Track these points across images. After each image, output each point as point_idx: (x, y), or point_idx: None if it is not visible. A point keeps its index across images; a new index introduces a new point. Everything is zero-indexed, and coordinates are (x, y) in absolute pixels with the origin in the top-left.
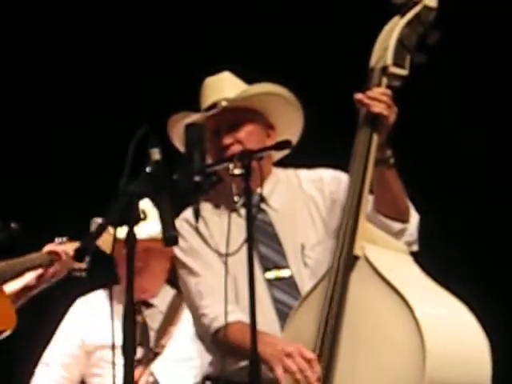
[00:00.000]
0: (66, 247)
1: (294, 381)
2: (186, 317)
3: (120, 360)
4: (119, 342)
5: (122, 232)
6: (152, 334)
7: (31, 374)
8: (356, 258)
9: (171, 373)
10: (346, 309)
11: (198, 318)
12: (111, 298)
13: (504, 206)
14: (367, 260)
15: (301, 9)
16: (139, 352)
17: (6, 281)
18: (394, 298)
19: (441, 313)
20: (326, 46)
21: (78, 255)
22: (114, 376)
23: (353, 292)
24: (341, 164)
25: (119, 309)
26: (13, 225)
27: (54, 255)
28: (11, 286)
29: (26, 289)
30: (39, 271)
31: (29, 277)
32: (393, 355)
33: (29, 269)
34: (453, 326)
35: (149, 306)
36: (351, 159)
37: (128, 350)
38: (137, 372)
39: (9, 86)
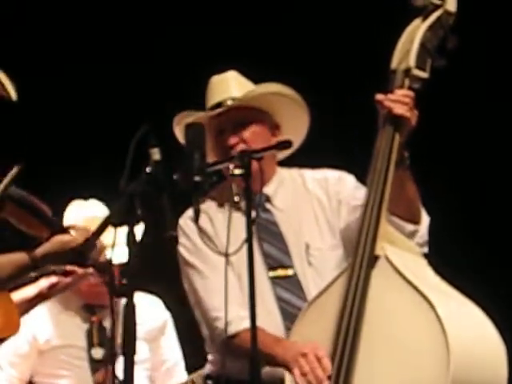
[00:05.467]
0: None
1: (308, 381)
2: None
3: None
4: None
5: None
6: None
7: None
8: (376, 258)
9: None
10: (366, 308)
11: (208, 320)
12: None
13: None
14: (388, 260)
15: (314, 10)
16: (99, 353)
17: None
18: (416, 296)
19: (461, 311)
20: (333, 45)
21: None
22: None
23: (373, 291)
24: (344, 165)
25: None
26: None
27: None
28: (24, 293)
29: (39, 297)
30: (52, 279)
31: (42, 284)
32: (415, 354)
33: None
34: (472, 326)
35: (103, 306)
36: (372, 160)
37: (128, 350)
38: (100, 374)
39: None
